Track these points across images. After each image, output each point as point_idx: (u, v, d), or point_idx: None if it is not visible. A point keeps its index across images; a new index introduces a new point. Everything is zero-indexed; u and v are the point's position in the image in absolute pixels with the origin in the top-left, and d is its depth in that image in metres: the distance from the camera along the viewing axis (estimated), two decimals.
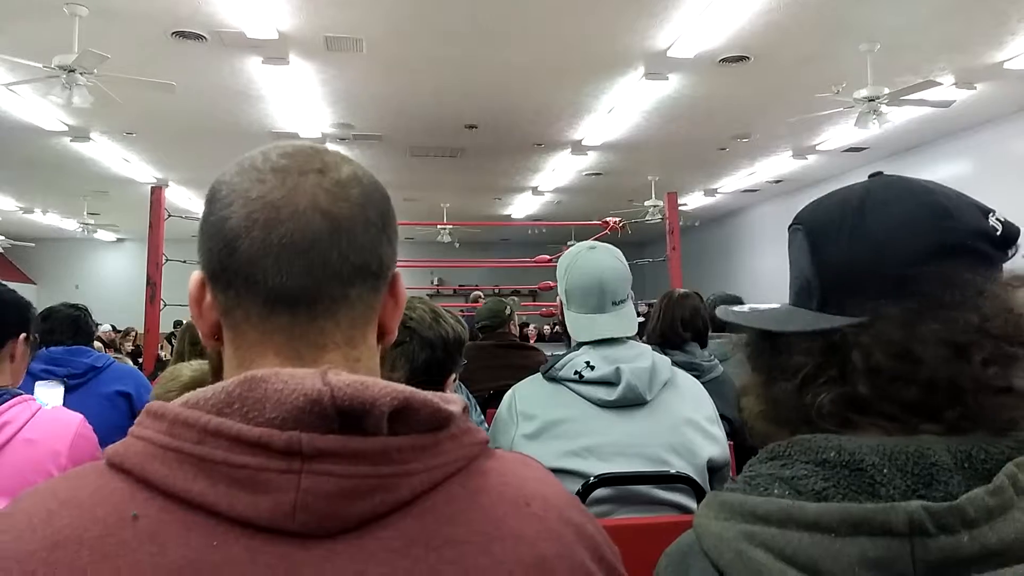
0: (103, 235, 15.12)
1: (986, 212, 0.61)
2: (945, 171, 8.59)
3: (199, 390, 0.52)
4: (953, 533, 0.47)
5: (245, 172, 0.59)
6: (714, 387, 1.89)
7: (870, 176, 0.66)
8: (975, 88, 6.77)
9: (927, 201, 0.60)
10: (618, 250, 1.63)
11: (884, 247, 0.59)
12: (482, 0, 5.01)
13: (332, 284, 0.56)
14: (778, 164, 10.03)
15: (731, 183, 11.41)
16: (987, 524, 0.47)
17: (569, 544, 0.55)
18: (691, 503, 1.42)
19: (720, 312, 0.71)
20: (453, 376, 1.54)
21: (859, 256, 0.59)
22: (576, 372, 1.50)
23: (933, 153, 8.87)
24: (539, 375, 1.60)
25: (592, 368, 1.49)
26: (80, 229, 13.37)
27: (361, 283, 0.57)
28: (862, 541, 0.47)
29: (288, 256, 0.54)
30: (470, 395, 2.27)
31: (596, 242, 1.64)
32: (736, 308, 0.70)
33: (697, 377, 1.79)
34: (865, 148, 9.10)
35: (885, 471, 0.51)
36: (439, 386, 1.51)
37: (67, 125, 7.87)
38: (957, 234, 0.58)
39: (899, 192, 0.61)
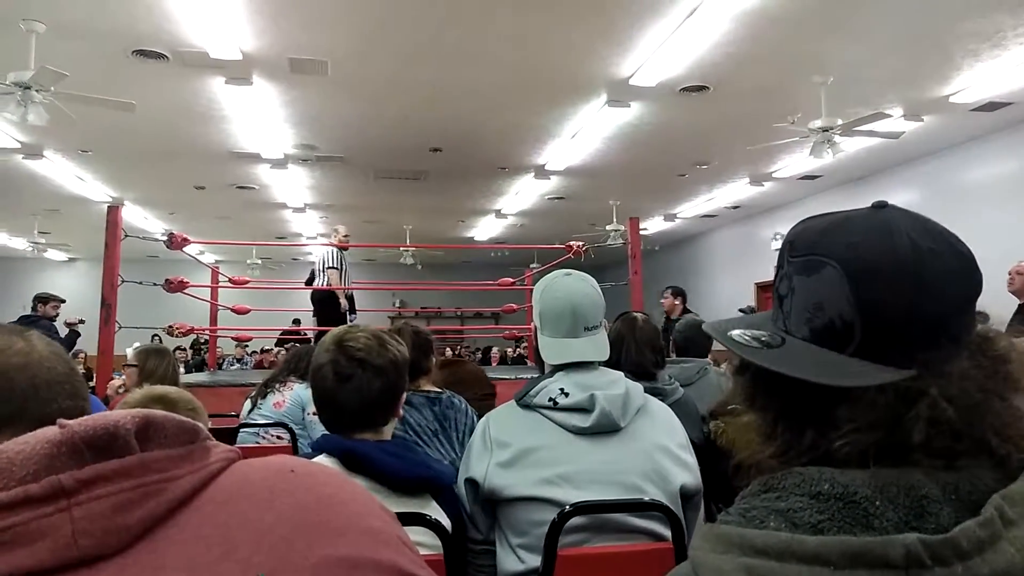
0: (54, 254, 14.71)
1: None
2: (895, 199, 8.54)
3: None
4: (948, 565, 0.48)
5: None
6: (676, 410, 1.91)
7: (874, 206, 0.65)
8: (923, 120, 7.04)
9: (961, 251, 0.61)
10: (592, 279, 1.65)
11: (941, 297, 0.59)
12: (448, 25, 5.05)
13: None
14: (736, 190, 10.26)
15: (690, 208, 11.62)
16: (979, 556, 0.49)
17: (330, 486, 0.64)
18: (665, 531, 1.43)
19: (723, 340, 0.67)
20: (404, 397, 1.54)
21: (920, 304, 0.58)
22: (550, 399, 1.51)
23: (883, 182, 9.17)
24: (512, 402, 1.60)
25: (566, 395, 1.50)
26: (30, 248, 12.98)
27: None
28: (860, 573, 0.48)
29: None
30: (469, 407, 2.24)
31: (572, 269, 1.66)
32: (738, 338, 0.66)
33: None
34: (819, 176, 9.37)
35: (877, 503, 0.52)
36: (393, 407, 1.51)
37: (19, 142, 7.66)
38: (980, 287, 0.61)
39: (935, 237, 0.61)
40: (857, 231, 0.62)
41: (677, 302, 6.42)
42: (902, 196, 8.77)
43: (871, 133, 6.38)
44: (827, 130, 6.06)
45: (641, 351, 2.60)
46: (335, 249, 7.04)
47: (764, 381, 0.63)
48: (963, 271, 0.60)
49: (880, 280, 0.59)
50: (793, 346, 0.63)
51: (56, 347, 0.74)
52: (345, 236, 7.24)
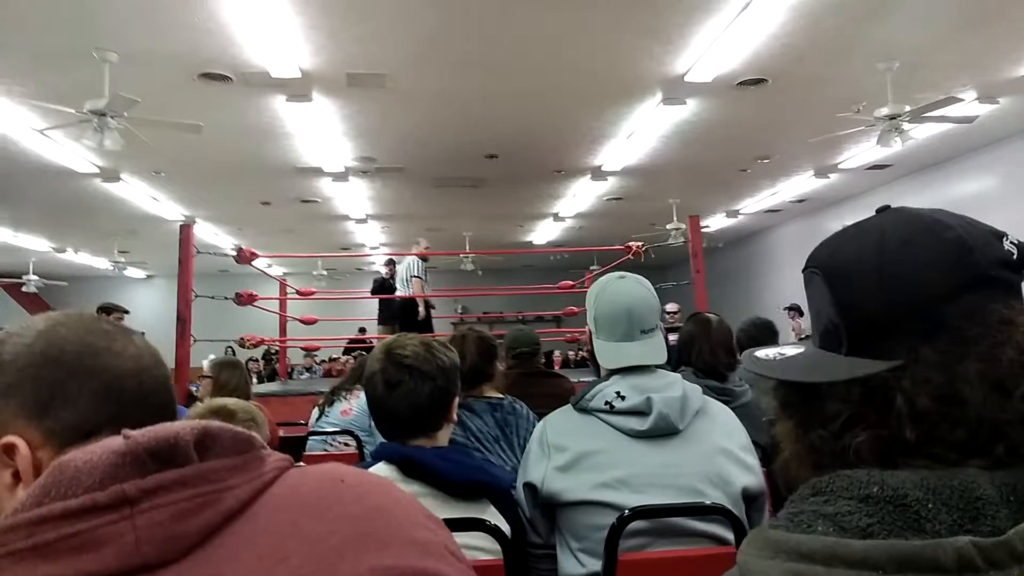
0: (133, 272, 15.41)
1: (1000, 236, 0.61)
2: (971, 186, 8.50)
3: (19, 496, 0.56)
4: (1002, 568, 0.46)
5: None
6: (743, 412, 1.87)
7: (877, 211, 0.66)
8: (998, 102, 6.72)
9: (947, 237, 0.60)
10: (647, 280, 1.64)
11: (910, 288, 0.58)
12: (500, 32, 5.09)
13: None
14: (800, 184, 9.99)
15: (753, 204, 11.37)
16: None
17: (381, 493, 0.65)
18: (728, 534, 1.40)
19: (745, 361, 0.70)
20: (456, 401, 1.56)
21: (886, 299, 0.59)
22: (607, 403, 1.50)
23: (958, 168, 8.78)
24: (569, 406, 1.59)
25: (623, 398, 1.49)
26: (111, 267, 13.67)
27: None
28: None
29: None
30: (531, 412, 2.25)
31: (625, 272, 1.65)
32: (761, 355, 0.69)
33: (728, 403, 1.78)
34: (888, 165, 9.04)
35: (930, 506, 0.51)
36: (445, 413, 1.53)
37: (98, 167, 8.07)
38: (980, 267, 0.58)
39: (916, 229, 0.61)
40: (838, 239, 0.66)
41: None
42: (979, 182, 8.38)
43: (942, 119, 6.12)
44: (894, 118, 5.84)
45: (715, 352, 2.60)
46: (418, 259, 7.40)
47: (781, 391, 0.66)
48: (945, 259, 0.59)
49: (848, 280, 0.62)
50: (805, 354, 0.66)
51: (158, 353, 0.75)
52: (427, 247, 7.63)
